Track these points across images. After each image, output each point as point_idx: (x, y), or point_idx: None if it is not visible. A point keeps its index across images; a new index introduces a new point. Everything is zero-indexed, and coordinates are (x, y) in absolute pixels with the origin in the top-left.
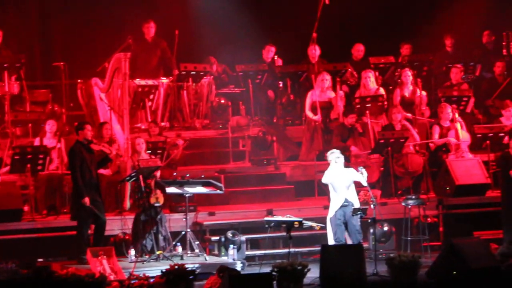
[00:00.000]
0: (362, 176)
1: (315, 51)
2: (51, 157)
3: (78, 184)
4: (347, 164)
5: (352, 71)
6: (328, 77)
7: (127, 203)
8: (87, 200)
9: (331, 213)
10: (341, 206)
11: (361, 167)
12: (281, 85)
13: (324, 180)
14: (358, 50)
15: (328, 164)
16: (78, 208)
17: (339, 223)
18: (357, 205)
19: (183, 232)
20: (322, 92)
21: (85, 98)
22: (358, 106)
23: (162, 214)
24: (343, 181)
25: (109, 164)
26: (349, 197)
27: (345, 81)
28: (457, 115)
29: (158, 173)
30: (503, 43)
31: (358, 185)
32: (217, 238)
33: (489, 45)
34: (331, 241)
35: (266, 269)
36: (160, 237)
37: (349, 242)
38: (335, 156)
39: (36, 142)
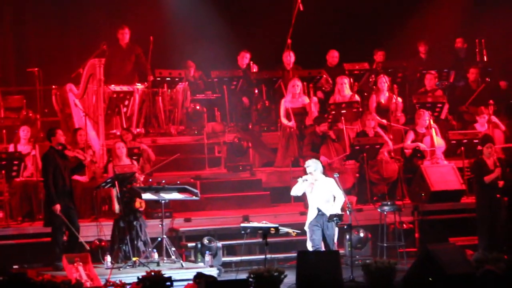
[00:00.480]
0: (339, 187)
1: (290, 58)
2: (26, 163)
3: (50, 191)
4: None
5: (327, 77)
6: (299, 83)
7: (116, 207)
8: (57, 207)
9: (307, 222)
10: (317, 216)
11: (336, 173)
12: (256, 91)
13: (292, 192)
14: (333, 56)
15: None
16: (51, 215)
17: (315, 228)
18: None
19: (159, 239)
20: (294, 98)
21: (59, 104)
22: (333, 112)
23: (141, 219)
24: (319, 192)
25: (85, 170)
26: (324, 207)
27: (320, 87)
28: (431, 121)
29: (142, 178)
30: (477, 50)
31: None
32: (194, 244)
33: (461, 52)
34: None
35: (243, 276)
36: (140, 242)
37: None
38: (308, 171)
39: (11, 148)
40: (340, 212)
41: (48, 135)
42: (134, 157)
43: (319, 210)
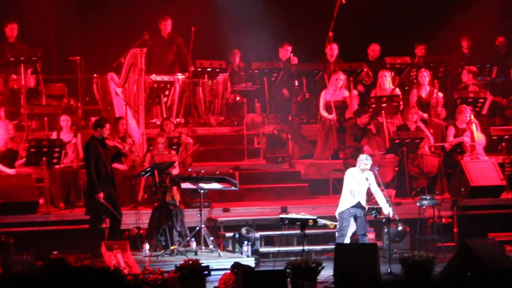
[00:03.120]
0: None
1: (333, 50)
2: (66, 151)
3: (92, 179)
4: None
5: (367, 70)
6: (342, 76)
7: (140, 196)
8: (101, 195)
9: (340, 208)
10: (352, 206)
11: (376, 167)
12: (296, 83)
13: (350, 186)
14: (374, 50)
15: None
16: (93, 203)
17: (348, 218)
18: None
19: (197, 228)
20: (336, 91)
21: (101, 92)
22: (374, 105)
23: (179, 209)
24: (364, 187)
25: (123, 159)
26: (362, 201)
27: (361, 81)
28: (472, 117)
29: (175, 170)
30: None
31: None
32: (231, 234)
33: (503, 49)
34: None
35: (280, 267)
36: (175, 233)
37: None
38: (369, 163)
39: (53, 136)
40: (386, 203)
41: (95, 125)
42: (173, 147)
43: (358, 203)
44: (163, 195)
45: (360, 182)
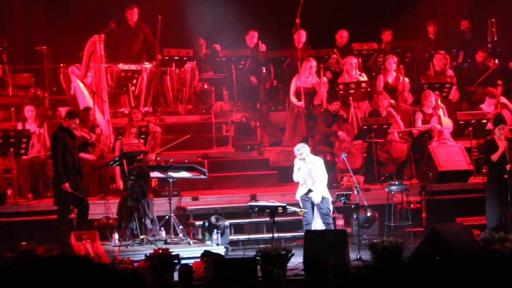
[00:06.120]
0: (319, 164)
1: (300, 36)
2: (33, 141)
3: (58, 170)
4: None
5: (337, 57)
6: (314, 63)
7: (120, 184)
8: (67, 185)
9: (298, 194)
10: (306, 193)
11: (344, 153)
12: (264, 71)
13: (295, 178)
14: (342, 36)
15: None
16: (60, 193)
17: (306, 204)
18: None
19: (167, 217)
20: (307, 78)
21: (67, 82)
22: (341, 92)
23: (149, 197)
24: (306, 173)
25: (90, 149)
26: (313, 187)
27: (329, 67)
28: (439, 102)
29: (153, 157)
30: (492, 29)
31: (341, 170)
32: (201, 222)
33: (467, 34)
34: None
35: (250, 254)
36: (147, 220)
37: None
38: (301, 157)
39: (19, 126)
40: (326, 194)
41: (67, 115)
42: (141, 136)
43: (308, 190)
44: (133, 183)
45: (300, 169)
